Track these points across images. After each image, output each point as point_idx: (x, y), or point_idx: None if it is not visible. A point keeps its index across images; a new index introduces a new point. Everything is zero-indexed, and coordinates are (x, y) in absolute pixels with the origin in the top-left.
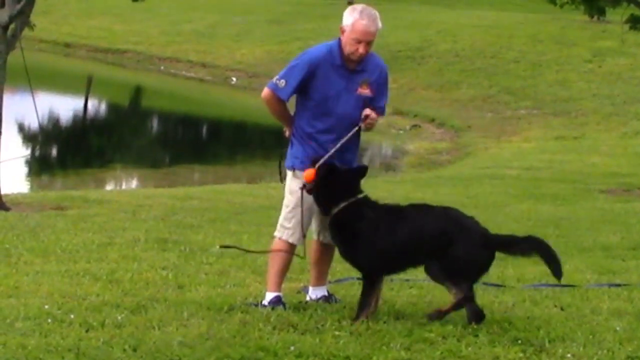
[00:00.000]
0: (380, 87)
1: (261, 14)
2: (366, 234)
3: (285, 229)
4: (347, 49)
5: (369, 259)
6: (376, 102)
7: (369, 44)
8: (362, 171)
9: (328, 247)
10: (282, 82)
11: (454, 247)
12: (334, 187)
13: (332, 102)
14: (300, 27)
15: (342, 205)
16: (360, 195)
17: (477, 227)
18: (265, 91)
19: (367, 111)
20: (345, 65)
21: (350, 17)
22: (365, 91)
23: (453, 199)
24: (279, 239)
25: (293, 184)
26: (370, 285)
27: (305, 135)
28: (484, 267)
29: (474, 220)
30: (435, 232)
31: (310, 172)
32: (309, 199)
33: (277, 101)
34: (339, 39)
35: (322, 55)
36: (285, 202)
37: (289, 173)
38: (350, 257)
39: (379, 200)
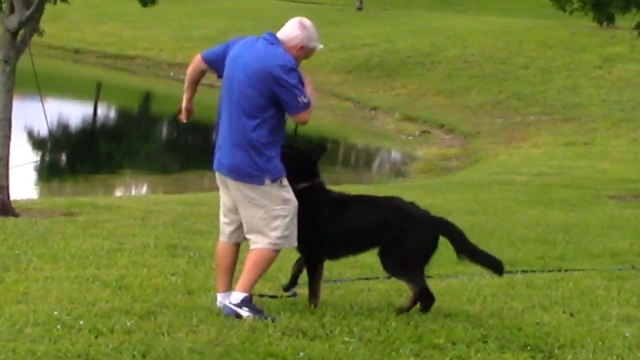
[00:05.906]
0: None
1: (271, 20)
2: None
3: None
4: None
5: (311, 245)
6: None
7: None
8: (318, 151)
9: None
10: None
11: (402, 238)
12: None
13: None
14: None
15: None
16: (317, 181)
17: (421, 214)
18: None
19: None
20: None
21: (305, 39)
22: None
23: (462, 205)
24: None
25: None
26: (315, 269)
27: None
28: (431, 252)
29: (416, 206)
30: (379, 223)
31: None
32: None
33: None
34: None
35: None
36: (282, 213)
37: (275, 183)
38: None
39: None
